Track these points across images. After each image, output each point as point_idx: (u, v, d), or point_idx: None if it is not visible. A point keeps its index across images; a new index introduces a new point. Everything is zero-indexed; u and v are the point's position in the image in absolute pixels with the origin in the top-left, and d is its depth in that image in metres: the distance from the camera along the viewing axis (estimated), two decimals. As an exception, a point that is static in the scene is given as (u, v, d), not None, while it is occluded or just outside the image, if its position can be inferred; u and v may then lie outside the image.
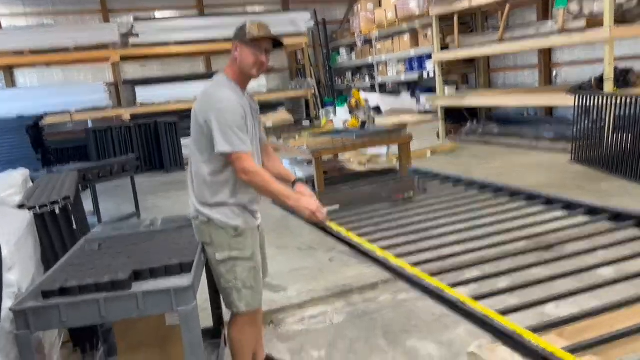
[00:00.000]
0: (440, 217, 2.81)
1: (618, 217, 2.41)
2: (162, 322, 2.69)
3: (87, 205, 5.83)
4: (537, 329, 1.56)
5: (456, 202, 3.05)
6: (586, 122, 7.41)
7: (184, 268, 2.29)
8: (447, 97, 10.69)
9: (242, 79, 2.46)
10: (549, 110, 10.10)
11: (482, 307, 1.77)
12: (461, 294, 1.88)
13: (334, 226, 2.51)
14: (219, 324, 3.09)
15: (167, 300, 2.03)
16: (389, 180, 6.47)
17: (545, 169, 7.33)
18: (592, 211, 2.53)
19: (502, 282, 3.74)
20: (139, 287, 2.12)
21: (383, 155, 9.05)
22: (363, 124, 6.40)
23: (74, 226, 3.24)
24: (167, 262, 2.31)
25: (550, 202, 2.76)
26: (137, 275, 2.24)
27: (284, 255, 4.80)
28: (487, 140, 10.02)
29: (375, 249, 2.35)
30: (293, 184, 2.71)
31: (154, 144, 10.37)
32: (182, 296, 2.04)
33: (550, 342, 1.44)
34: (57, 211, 3.07)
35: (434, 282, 2.02)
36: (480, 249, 2.33)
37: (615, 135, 6.81)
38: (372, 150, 8.77)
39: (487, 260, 2.28)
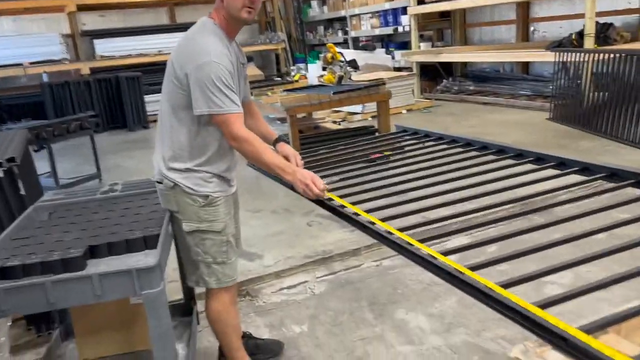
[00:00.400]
0: (423, 177, 2.56)
1: (613, 176, 2.21)
2: (126, 300, 2.38)
3: (44, 166, 5.39)
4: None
5: (438, 160, 2.79)
6: (565, 79, 7.22)
7: (148, 243, 1.98)
8: (422, 52, 10.36)
9: (231, 26, 2.10)
10: (526, 67, 9.89)
11: (483, 279, 1.51)
12: (453, 262, 1.63)
13: (335, 198, 2.19)
14: (189, 298, 2.80)
15: (129, 283, 1.72)
16: (367, 139, 6.21)
17: (523, 127, 7.16)
18: (585, 170, 2.33)
19: (493, 249, 3.56)
20: (95, 266, 1.80)
21: (358, 112, 8.74)
22: (340, 79, 6.04)
23: (22, 192, 2.86)
24: (129, 236, 1.99)
25: (539, 159, 2.54)
26: (93, 252, 1.92)
27: (259, 219, 4.50)
28: (463, 97, 9.79)
29: (358, 211, 2.08)
30: (274, 143, 2.40)
31: (116, 100, 9.78)
32: (147, 278, 1.73)
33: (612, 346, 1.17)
34: (1, 174, 2.68)
35: (424, 248, 1.76)
36: (467, 212, 2.09)
37: (595, 93, 6.65)
38: (346, 108, 8.44)
39: (476, 224, 2.04)
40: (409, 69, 10.62)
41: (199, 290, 2.58)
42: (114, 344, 2.46)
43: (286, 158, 2.30)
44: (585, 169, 2.32)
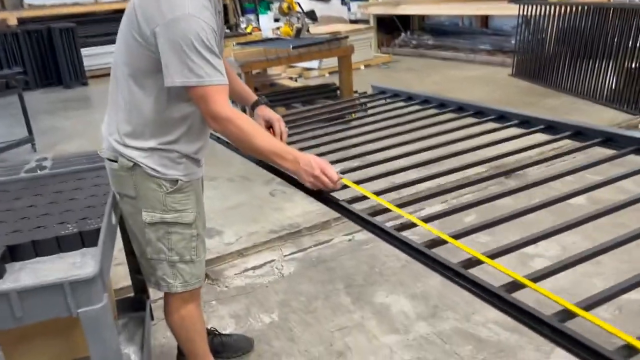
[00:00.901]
0: (388, 137, 2.23)
1: (580, 135, 1.99)
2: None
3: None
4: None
5: (404, 119, 2.46)
6: (528, 34, 6.99)
7: (86, 239, 1.57)
8: (380, 4, 9.91)
9: None
10: (485, 21, 9.62)
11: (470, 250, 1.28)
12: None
13: (352, 185, 1.66)
14: (141, 290, 2.41)
15: (60, 301, 1.32)
16: (328, 98, 5.84)
17: (486, 84, 6.94)
18: (551, 128, 2.09)
19: (469, 217, 3.31)
20: (15, 275, 1.39)
21: (315, 68, 8.29)
22: (298, 32, 5.56)
23: None
24: (61, 231, 1.58)
25: (503, 117, 2.27)
26: (14, 253, 1.50)
27: (215, 189, 4.09)
28: (422, 52, 9.47)
29: (380, 200, 1.68)
30: (253, 106, 2.01)
31: (49, 54, 8.89)
32: (85, 292, 1.34)
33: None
34: None
35: (407, 215, 1.47)
36: (437, 175, 1.81)
37: (559, 48, 6.46)
38: (302, 64, 7.97)
39: (448, 189, 1.76)
40: (365, 21, 10.17)
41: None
42: (51, 351, 2.06)
43: (268, 124, 1.94)
44: (551, 127, 2.09)
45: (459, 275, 1.23)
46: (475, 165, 1.91)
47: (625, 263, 2.71)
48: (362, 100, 2.88)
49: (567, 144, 2.20)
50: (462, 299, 2.58)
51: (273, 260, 3.06)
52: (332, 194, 1.59)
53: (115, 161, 1.68)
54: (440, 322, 2.43)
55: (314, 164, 1.54)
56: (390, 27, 10.51)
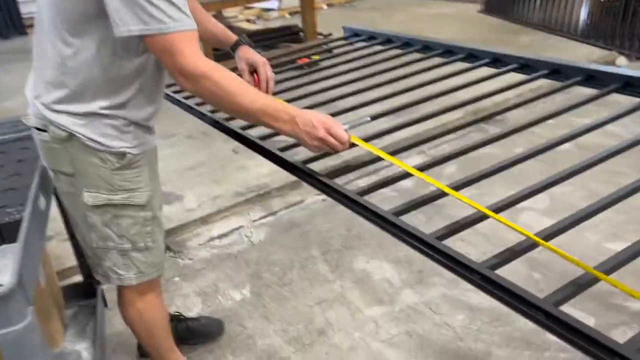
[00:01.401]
0: (357, 81, 2.00)
1: (558, 73, 1.83)
2: None
3: None
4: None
5: (372, 60, 2.19)
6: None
7: (5, 234, 1.26)
8: (340, -62, 9.28)
9: None
10: (451, -46, 9.16)
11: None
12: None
13: (363, 144, 1.36)
14: (91, 274, 2.11)
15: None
16: (291, 41, 5.44)
17: (456, 21, 6.62)
18: (528, 66, 1.92)
19: (451, 169, 3.09)
20: None
21: (274, 9, 7.78)
22: (254, -31, 5.09)
23: None
24: (-29, 225, 1.26)
25: (474, 56, 2.08)
26: None
27: (171, 147, 3.73)
28: (386, -11, 8.99)
29: (388, 157, 1.42)
30: (233, 48, 1.69)
31: (-21, 1, 8.05)
32: (2, 309, 1.04)
33: None
34: None
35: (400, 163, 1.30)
36: (413, 122, 1.62)
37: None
38: (260, 4, 7.46)
39: (426, 139, 1.55)
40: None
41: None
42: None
43: (252, 69, 1.64)
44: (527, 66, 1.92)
45: (432, 247, 1.14)
46: (452, 110, 1.71)
47: (621, 214, 2.55)
48: (335, 44, 2.55)
49: (544, 83, 2.02)
50: (449, 261, 2.38)
51: (241, 227, 2.79)
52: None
53: (45, 131, 1.33)
54: (428, 289, 2.24)
55: (316, 123, 1.24)
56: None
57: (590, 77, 1.75)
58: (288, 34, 5.42)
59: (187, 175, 3.30)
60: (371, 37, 2.42)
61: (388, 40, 2.34)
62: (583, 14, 5.34)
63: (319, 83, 2.06)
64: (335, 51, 2.56)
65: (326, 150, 1.29)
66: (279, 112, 1.26)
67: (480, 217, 1.19)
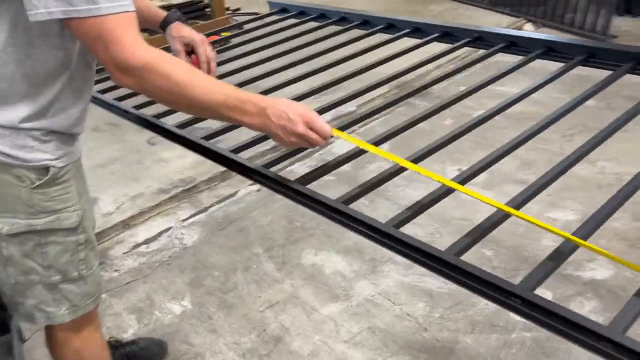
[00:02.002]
0: (273, 59, 1.85)
1: (480, 41, 1.84)
2: None
3: None
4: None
5: (285, 35, 2.05)
6: None
7: None
8: None
9: None
10: None
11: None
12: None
13: (346, 137, 1.19)
14: (3, 306, 1.78)
15: None
16: (197, 19, 5.07)
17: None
18: (448, 34, 1.90)
19: (384, 147, 2.99)
20: None
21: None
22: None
23: None
24: None
25: (395, 27, 2.02)
26: None
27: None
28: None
29: (379, 152, 1.28)
30: (163, 26, 1.44)
31: None
32: None
33: None
34: None
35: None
36: (338, 102, 1.51)
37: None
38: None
39: (356, 119, 1.46)
40: None
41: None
42: None
43: (189, 49, 1.42)
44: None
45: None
46: (379, 86, 1.62)
47: (555, 183, 2.58)
48: (244, 18, 2.32)
49: (464, 51, 1.97)
50: (399, 245, 2.28)
51: (169, 229, 2.52)
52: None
53: None
54: (383, 279, 2.12)
55: (292, 116, 1.04)
56: None
57: (512, 44, 1.75)
58: (193, 10, 5.04)
59: (99, 174, 2.95)
60: (302, 13, 2.22)
61: (322, 16, 2.15)
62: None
63: (233, 62, 1.86)
64: (246, 27, 2.37)
65: (304, 146, 1.11)
66: (244, 103, 1.04)
67: (432, 201, 1.11)
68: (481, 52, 1.80)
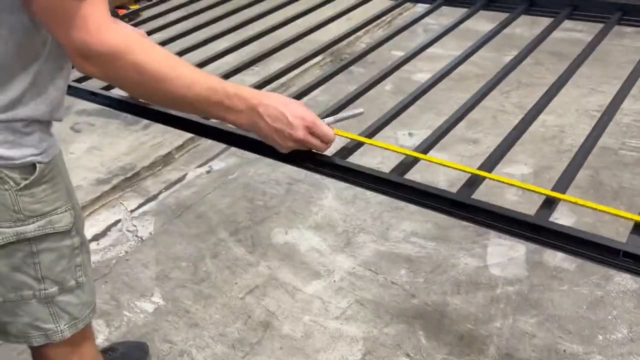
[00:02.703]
0: (194, 31, 1.68)
1: None
2: None
3: None
4: None
5: (205, 4, 1.93)
6: None
7: None
8: None
9: None
10: None
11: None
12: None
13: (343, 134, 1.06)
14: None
15: None
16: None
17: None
18: None
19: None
20: None
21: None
22: None
23: None
24: None
25: None
26: None
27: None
28: None
29: (377, 144, 1.15)
30: None
31: None
32: None
33: None
34: None
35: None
36: (279, 74, 1.39)
37: None
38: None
39: (302, 92, 1.41)
40: None
41: None
42: None
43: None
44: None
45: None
46: (314, 57, 1.51)
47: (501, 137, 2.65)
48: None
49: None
50: (368, 214, 2.25)
51: (118, 222, 2.31)
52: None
53: None
54: (360, 250, 2.09)
55: (292, 119, 0.91)
56: None
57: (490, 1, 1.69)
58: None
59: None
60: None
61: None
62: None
63: (151, 37, 1.68)
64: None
65: (301, 149, 0.97)
66: (230, 98, 0.90)
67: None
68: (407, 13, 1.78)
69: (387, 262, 2.02)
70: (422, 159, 1.03)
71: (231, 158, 2.66)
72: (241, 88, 0.93)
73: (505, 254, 2.02)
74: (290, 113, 0.91)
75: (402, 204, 2.31)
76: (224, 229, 2.22)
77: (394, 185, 0.96)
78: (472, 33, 1.60)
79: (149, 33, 1.70)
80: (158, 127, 2.94)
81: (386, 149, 1.08)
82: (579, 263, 1.94)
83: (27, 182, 0.92)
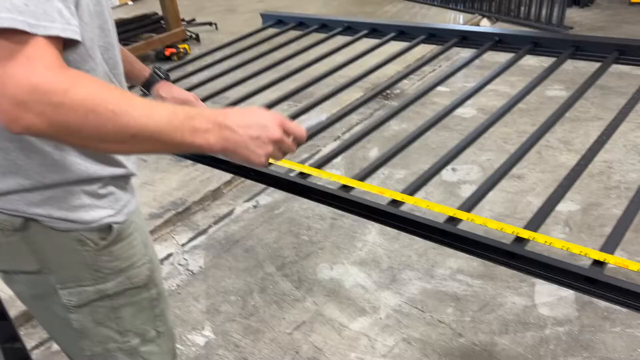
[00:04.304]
0: (239, 68, 1.76)
1: (434, 37, 1.88)
2: None
3: None
4: None
5: (250, 43, 2.00)
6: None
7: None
8: None
9: None
10: None
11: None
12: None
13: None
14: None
15: None
16: (153, 32, 4.86)
17: (315, -3, 6.51)
18: (403, 33, 1.93)
19: (373, 152, 2.98)
20: None
21: (115, -4, 6.99)
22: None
23: None
24: None
25: (378, 31, 1.99)
26: None
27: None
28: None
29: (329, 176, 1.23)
30: (147, 85, 1.28)
31: None
32: None
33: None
34: None
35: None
36: (310, 106, 1.46)
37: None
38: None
39: (335, 120, 1.46)
40: None
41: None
42: None
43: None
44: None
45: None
46: (349, 86, 1.57)
47: (546, 173, 2.64)
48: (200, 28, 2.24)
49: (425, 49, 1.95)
50: (413, 251, 2.27)
51: (170, 255, 2.40)
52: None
53: None
54: (405, 287, 2.10)
55: (265, 121, 0.85)
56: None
57: (463, 38, 1.80)
58: (148, 24, 4.86)
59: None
60: (301, 24, 2.16)
61: (323, 26, 2.10)
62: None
63: (198, 75, 1.76)
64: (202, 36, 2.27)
65: (275, 158, 0.90)
66: (194, 118, 0.79)
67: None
68: (435, 47, 1.84)
69: (434, 300, 2.03)
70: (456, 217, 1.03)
71: (276, 193, 2.74)
72: (201, 109, 0.85)
73: (554, 293, 2.00)
74: (259, 116, 0.85)
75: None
76: (271, 263, 2.28)
77: (442, 233, 0.99)
78: (494, 65, 1.65)
79: (199, 70, 1.81)
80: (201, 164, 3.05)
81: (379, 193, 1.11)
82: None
83: (105, 242, 0.95)
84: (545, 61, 1.57)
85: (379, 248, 2.31)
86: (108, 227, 0.94)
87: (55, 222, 0.89)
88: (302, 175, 1.19)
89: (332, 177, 1.21)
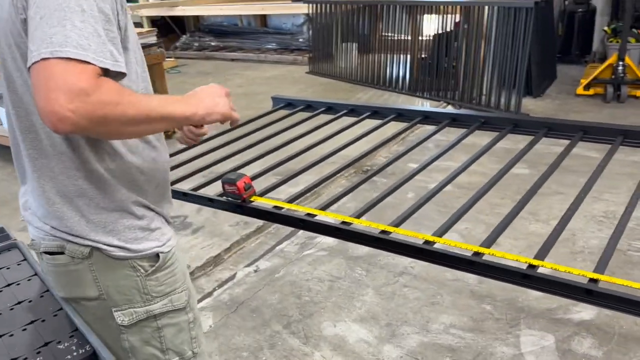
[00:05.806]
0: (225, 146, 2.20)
1: (429, 118, 2.42)
2: None
3: None
4: None
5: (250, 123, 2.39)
6: (316, 32, 7.24)
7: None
8: (154, 5, 9.21)
9: None
10: (264, 21, 9.70)
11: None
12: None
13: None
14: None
15: None
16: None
17: (292, 83, 6.98)
18: (401, 115, 2.45)
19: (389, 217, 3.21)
20: None
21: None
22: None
23: None
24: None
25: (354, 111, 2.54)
26: None
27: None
28: (208, 54, 9.12)
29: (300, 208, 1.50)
30: None
31: None
32: None
33: None
34: None
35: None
36: (313, 186, 1.92)
37: (347, 44, 6.83)
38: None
39: (333, 200, 1.80)
40: (136, 24, 9.34)
41: None
42: None
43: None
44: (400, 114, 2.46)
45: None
46: (343, 170, 2.10)
47: (519, 240, 2.94)
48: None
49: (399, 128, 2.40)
50: (408, 309, 2.47)
51: (179, 316, 2.52)
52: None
53: (62, 252, 1.11)
54: (404, 340, 2.29)
55: (216, 88, 1.18)
56: (164, 30, 9.86)
57: (453, 119, 2.30)
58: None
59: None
60: (308, 106, 2.47)
61: (330, 108, 2.42)
62: (406, 70, 6.10)
63: (191, 151, 2.03)
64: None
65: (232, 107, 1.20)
66: (181, 100, 1.07)
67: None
68: (429, 128, 2.32)
69: (432, 351, 2.22)
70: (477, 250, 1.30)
71: (275, 258, 2.93)
72: (168, 96, 1.10)
73: (537, 342, 2.22)
74: (212, 87, 1.17)
75: (438, 299, 2.54)
76: (277, 322, 2.44)
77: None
78: (475, 148, 2.07)
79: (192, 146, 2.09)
80: (205, 232, 3.24)
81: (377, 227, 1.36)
82: (605, 350, 2.14)
83: (153, 268, 1.15)
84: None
85: (376, 307, 2.51)
86: (156, 256, 1.16)
87: (114, 251, 1.11)
88: (345, 223, 1.43)
89: (363, 222, 1.46)
